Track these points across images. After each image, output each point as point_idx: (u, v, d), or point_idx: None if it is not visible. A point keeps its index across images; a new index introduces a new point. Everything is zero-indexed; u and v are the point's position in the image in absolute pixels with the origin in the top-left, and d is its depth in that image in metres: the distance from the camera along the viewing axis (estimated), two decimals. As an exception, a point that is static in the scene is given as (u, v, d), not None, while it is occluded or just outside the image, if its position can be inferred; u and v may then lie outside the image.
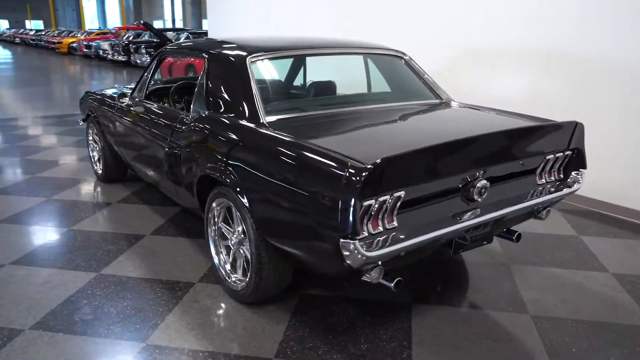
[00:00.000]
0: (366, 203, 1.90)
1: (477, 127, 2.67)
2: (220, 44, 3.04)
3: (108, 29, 31.96)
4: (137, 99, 3.71)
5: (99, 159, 4.65)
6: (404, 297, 2.76)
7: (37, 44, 33.82)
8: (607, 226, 3.83)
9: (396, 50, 3.35)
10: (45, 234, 3.51)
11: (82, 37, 26.38)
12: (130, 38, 19.79)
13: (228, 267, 2.74)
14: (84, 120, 4.78)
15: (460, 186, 2.28)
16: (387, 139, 2.39)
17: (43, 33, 35.88)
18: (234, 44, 2.96)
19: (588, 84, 4.07)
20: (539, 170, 2.63)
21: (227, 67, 2.78)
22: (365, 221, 1.96)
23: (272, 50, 2.87)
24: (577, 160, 2.73)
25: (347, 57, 3.28)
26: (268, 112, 2.58)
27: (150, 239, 3.44)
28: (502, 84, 4.68)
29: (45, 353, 2.24)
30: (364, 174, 1.83)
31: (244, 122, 2.56)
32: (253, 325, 2.48)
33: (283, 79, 3.27)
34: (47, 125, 7.55)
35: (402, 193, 2.00)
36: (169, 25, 41.89)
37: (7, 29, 54.08)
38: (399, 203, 2.03)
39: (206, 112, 2.82)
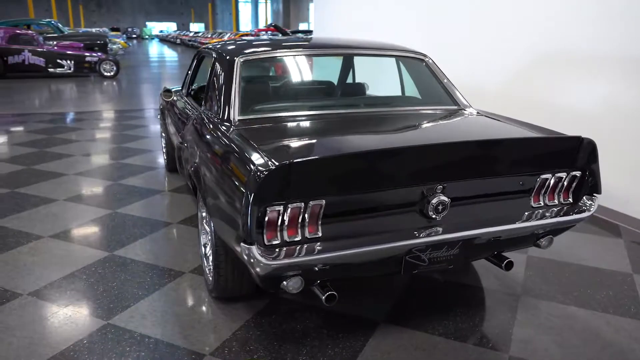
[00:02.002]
0: (272, 209, 1.83)
1: (453, 136, 2.41)
2: (228, 45, 3.12)
3: (249, 31, 34.37)
4: (179, 96, 3.96)
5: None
6: (378, 314, 2.59)
7: (192, 44, 37.52)
8: (678, 267, 3.19)
9: (416, 52, 3.14)
10: (92, 213, 3.91)
11: (227, 38, 28.72)
12: (265, 39, 21.04)
13: (210, 260, 2.81)
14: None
15: (417, 201, 2.08)
16: (338, 144, 2.26)
17: (199, 35, 39.69)
18: (237, 45, 3.02)
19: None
20: (534, 191, 2.29)
21: (221, 66, 2.85)
22: (279, 227, 1.89)
23: (265, 52, 2.87)
24: (589, 183, 2.32)
25: (362, 59, 3.16)
26: (243, 112, 2.59)
27: (173, 227, 3.66)
28: (577, 92, 4.12)
29: (25, 317, 2.51)
30: (261, 177, 1.77)
31: (217, 120, 2.60)
32: (210, 320, 2.52)
33: (283, 80, 3.25)
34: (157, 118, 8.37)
35: (322, 202, 1.89)
36: (312, 27, 43.58)
37: (174, 30, 60.74)
38: (321, 212, 1.92)
39: (202, 109, 2.92)
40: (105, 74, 13.99)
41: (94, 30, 27.55)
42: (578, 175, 2.30)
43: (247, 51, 2.84)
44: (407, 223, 2.09)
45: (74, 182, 4.68)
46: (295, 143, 2.26)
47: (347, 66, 3.89)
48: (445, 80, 3.06)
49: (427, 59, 3.12)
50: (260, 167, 1.81)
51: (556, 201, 2.34)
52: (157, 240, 3.44)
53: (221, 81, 2.75)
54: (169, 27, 67.80)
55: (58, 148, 6.03)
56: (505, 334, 2.46)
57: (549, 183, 2.28)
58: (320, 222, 1.94)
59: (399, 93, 3.47)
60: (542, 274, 3.06)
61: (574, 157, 2.24)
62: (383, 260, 2.09)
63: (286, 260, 1.82)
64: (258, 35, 24.65)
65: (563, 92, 4.25)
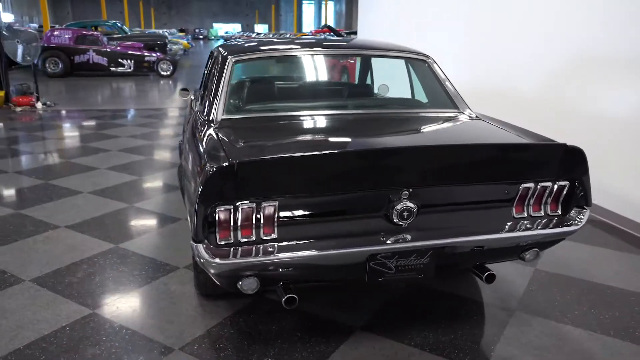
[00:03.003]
0: (223, 208, 1.83)
1: (429, 139, 2.33)
2: (232, 44, 3.15)
3: (308, 32, 34.71)
4: (195, 94, 4.05)
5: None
6: (357, 320, 2.54)
7: (254, 45, 38.43)
8: None
9: (419, 54, 3.04)
10: (110, 206, 4.08)
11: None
12: (321, 40, 21.16)
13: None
14: (189, 112, 5.38)
15: (382, 205, 2.02)
16: (305, 146, 2.23)
17: (261, 35, 40.56)
18: (239, 45, 3.05)
19: None
20: (515, 201, 2.16)
21: (217, 66, 2.89)
22: (232, 227, 1.89)
23: (262, 52, 2.88)
24: (578, 195, 2.16)
25: (380, 62, 3.11)
26: (229, 112, 2.60)
27: (182, 223, 3.75)
28: (614, 97, 3.85)
29: (20, 302, 2.66)
30: (207, 175, 1.77)
31: (204, 119, 2.64)
32: (189, 315, 2.56)
33: (276, 81, 3.23)
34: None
35: (275, 203, 1.87)
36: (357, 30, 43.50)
37: (238, 32, 62.32)
38: (276, 213, 1.90)
39: (199, 106, 2.98)
40: (162, 73, 14.55)
41: (160, 31, 28.75)
42: (566, 185, 2.15)
43: (242, 51, 2.86)
44: (371, 228, 2.03)
45: (102, 176, 4.90)
46: (265, 144, 2.26)
47: (365, 68, 3.84)
48: (447, 83, 2.95)
49: (429, 60, 3.02)
50: (209, 166, 1.83)
51: (542, 212, 2.20)
52: (163, 236, 3.53)
53: (213, 80, 2.79)
54: (235, 29, 69.57)
55: (99, 143, 6.34)
56: (487, 350, 2.34)
57: (532, 193, 2.14)
58: (276, 224, 1.93)
59: (410, 95, 3.39)
60: (545, 289, 2.88)
61: (560, 166, 2.09)
62: (344, 266, 2.04)
63: (234, 261, 1.82)
64: (315, 36, 24.91)
65: (596, 97, 3.99)
